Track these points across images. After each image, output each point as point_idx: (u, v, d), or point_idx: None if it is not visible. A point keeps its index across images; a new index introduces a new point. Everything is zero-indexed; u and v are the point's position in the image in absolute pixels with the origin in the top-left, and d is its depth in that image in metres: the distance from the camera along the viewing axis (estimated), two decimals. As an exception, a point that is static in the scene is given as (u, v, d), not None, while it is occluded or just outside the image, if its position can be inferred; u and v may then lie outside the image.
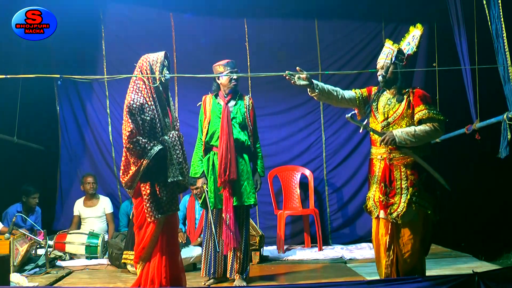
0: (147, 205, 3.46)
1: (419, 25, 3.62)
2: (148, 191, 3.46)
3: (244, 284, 4.14)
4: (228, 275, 4.27)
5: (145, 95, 3.47)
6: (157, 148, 3.43)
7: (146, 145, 3.41)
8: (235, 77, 4.24)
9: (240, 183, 4.18)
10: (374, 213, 3.57)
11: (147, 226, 3.52)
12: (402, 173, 3.46)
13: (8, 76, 4.01)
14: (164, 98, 3.62)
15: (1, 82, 4.10)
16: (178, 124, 3.78)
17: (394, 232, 3.47)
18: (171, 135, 3.53)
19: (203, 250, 4.31)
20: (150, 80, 3.54)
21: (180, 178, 3.50)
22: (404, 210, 3.40)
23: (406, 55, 3.57)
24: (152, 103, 3.48)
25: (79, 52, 6.24)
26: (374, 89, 3.66)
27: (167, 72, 3.59)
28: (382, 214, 3.50)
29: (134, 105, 3.41)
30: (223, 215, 4.16)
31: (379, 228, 3.56)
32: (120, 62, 6.27)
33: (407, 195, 3.42)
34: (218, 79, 4.26)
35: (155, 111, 3.47)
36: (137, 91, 3.49)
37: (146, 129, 3.45)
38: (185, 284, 3.69)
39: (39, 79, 4.51)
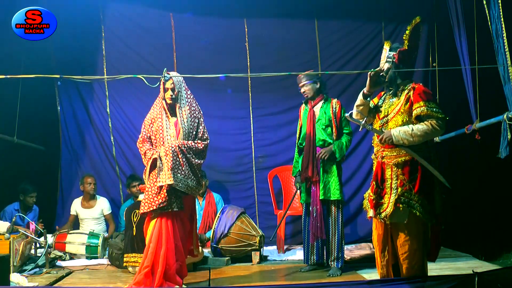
0: (142, 200, 4.02)
1: (416, 19, 3.53)
2: (145, 189, 4.03)
3: (339, 273, 4.50)
4: (326, 262, 4.73)
5: (157, 110, 4.11)
6: (153, 156, 3.97)
7: (148, 151, 4.03)
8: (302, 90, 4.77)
9: (326, 179, 4.60)
10: (369, 212, 3.52)
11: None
12: (393, 173, 3.39)
13: (8, 76, 4.02)
14: (175, 112, 4.09)
15: (1, 82, 4.10)
16: (195, 132, 4.09)
17: (390, 232, 3.42)
18: (167, 146, 3.95)
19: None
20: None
21: (169, 183, 3.86)
22: (391, 210, 3.32)
23: (397, 50, 3.50)
24: (160, 117, 4.06)
25: (79, 52, 6.24)
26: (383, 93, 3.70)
27: (172, 93, 4.05)
28: (371, 213, 3.46)
29: (146, 120, 4.16)
30: (309, 209, 4.66)
31: (377, 229, 3.55)
32: (120, 62, 6.28)
33: (395, 195, 3.35)
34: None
35: (160, 124, 4.04)
36: (153, 107, 4.17)
37: (154, 138, 4.08)
38: (185, 273, 4.14)
39: (40, 79, 4.51)
